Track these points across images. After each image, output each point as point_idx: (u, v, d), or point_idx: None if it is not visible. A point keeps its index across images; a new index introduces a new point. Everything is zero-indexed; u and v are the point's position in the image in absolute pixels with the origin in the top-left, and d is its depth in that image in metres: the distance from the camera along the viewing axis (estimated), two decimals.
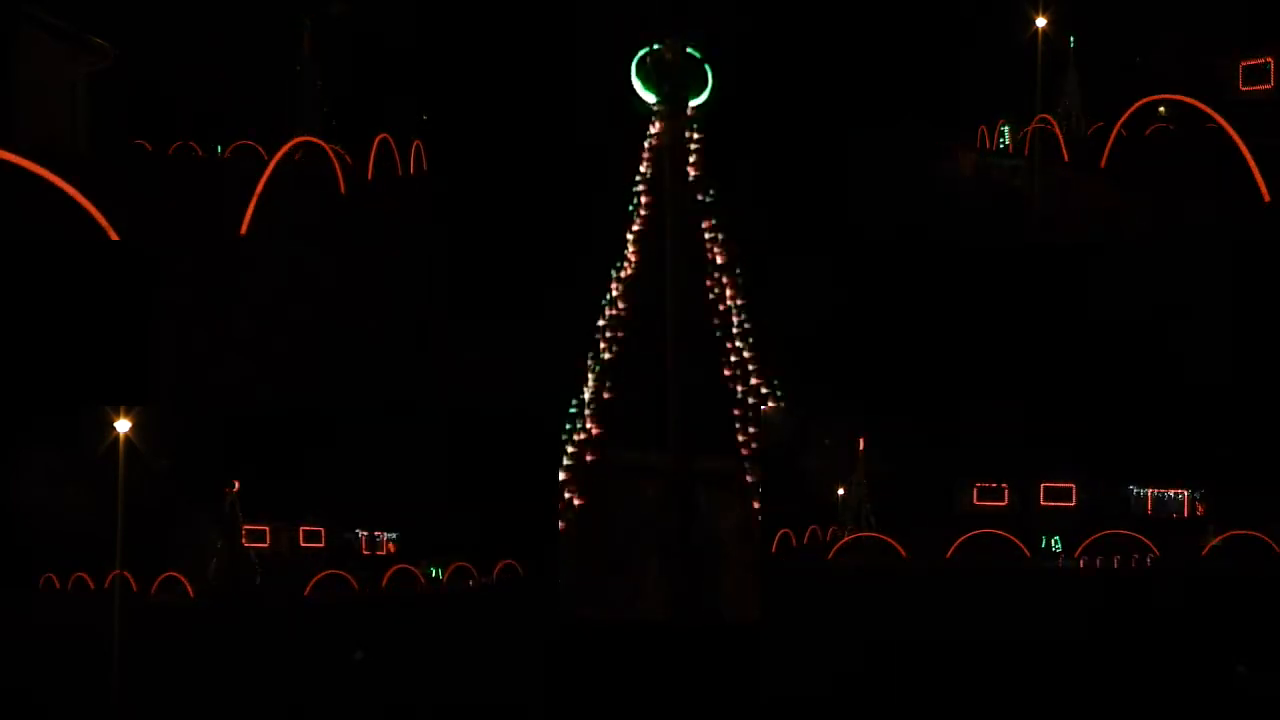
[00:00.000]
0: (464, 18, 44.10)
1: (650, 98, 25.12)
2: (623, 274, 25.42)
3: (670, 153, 24.97)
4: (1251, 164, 35.79)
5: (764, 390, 24.89)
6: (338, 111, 50.07)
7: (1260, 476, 33.83)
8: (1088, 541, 34.37)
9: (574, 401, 25.32)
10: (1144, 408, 34.52)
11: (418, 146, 44.08)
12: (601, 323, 25.38)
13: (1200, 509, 36.44)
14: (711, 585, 24.01)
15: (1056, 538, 35.43)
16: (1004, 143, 43.62)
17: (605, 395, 24.97)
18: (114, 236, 24.76)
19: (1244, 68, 42.73)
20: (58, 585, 32.65)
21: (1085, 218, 38.14)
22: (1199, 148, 37.66)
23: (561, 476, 25.05)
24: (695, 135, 25.37)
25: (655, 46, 24.88)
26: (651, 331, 24.65)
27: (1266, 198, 35.58)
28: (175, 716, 24.74)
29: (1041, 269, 35.88)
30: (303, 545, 36.01)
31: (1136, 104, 40.05)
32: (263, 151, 41.53)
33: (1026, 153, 40.81)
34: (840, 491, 37.77)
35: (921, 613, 27.77)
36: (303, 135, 41.94)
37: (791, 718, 23.65)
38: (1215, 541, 34.05)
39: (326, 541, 35.93)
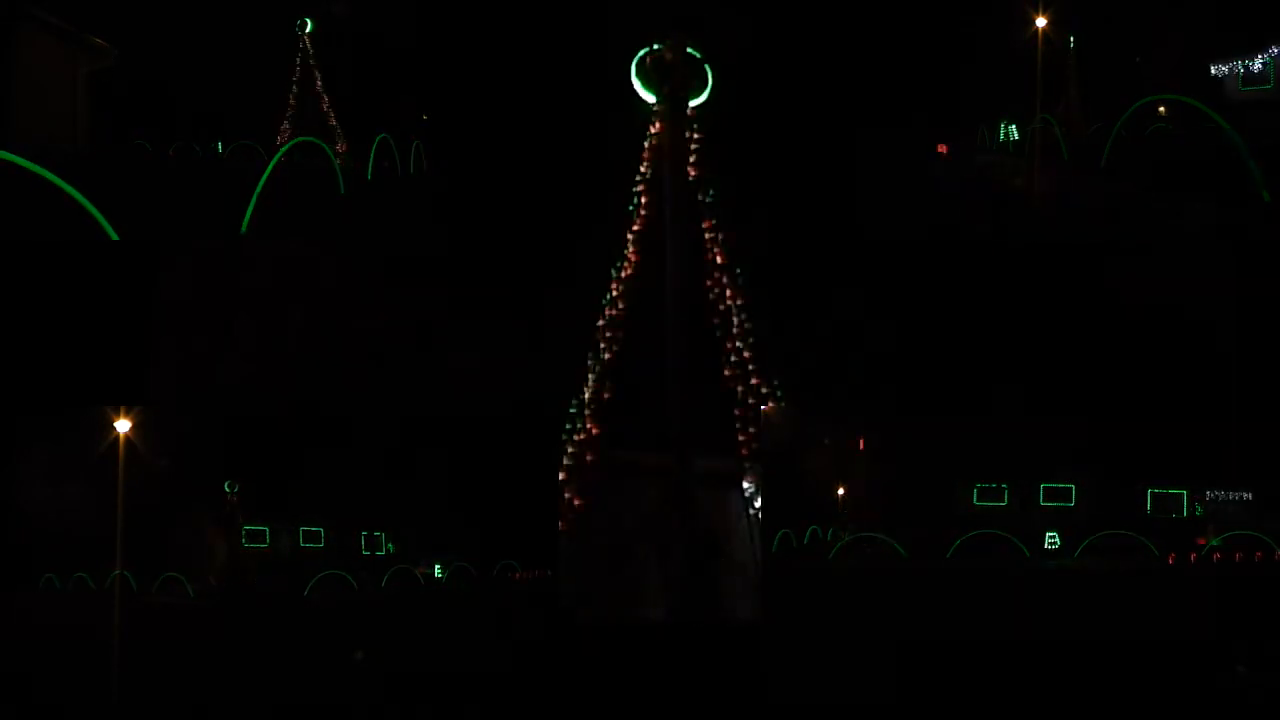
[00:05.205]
0: (464, 17, 44.11)
1: (650, 98, 25.15)
2: (623, 274, 25.45)
3: (670, 153, 24.98)
4: (1251, 164, 35.79)
5: (764, 390, 24.92)
6: (338, 111, 50.18)
7: (1260, 476, 33.79)
8: (1088, 541, 34.33)
9: (574, 401, 25.34)
10: (1144, 408, 34.48)
11: (417, 146, 44.11)
12: (601, 323, 25.40)
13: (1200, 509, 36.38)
14: (711, 585, 24.02)
15: (1055, 534, 35.41)
16: (1010, 138, 43.61)
17: (605, 395, 24.99)
18: (113, 236, 24.75)
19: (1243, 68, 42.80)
20: (57, 585, 32.62)
21: (1085, 218, 38.14)
22: (1199, 148, 37.66)
23: (561, 476, 25.07)
24: (696, 135, 25.40)
25: (655, 46, 24.91)
26: (651, 332, 24.65)
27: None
28: (175, 716, 24.74)
29: (1041, 269, 35.88)
30: (303, 545, 35.95)
31: (1137, 104, 40.06)
32: (263, 152, 41.57)
33: (1027, 152, 40.82)
34: (840, 491, 37.73)
35: (921, 613, 27.73)
36: (302, 135, 41.97)
37: (792, 718, 23.64)
38: (1215, 541, 34.00)
39: (326, 542, 35.89)
